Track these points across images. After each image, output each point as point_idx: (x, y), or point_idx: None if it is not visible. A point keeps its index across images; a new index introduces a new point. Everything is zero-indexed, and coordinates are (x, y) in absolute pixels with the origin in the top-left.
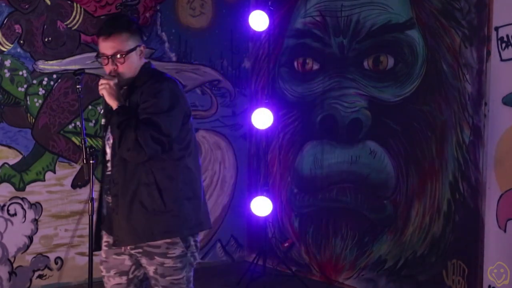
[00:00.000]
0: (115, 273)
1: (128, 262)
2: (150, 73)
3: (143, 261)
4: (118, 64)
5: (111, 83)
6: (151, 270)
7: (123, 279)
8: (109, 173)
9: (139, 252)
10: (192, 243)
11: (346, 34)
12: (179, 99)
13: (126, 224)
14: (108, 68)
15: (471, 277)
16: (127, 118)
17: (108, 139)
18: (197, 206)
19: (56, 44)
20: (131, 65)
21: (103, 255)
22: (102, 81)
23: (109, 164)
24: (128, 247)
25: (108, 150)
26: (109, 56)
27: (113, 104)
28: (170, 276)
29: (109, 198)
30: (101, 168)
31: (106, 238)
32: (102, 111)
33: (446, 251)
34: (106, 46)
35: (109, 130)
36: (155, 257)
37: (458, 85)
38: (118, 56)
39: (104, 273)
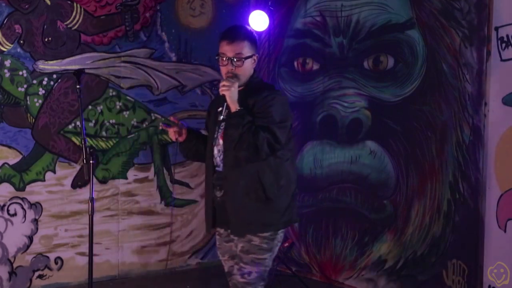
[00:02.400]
0: (228, 257)
1: (234, 248)
2: (262, 84)
3: (235, 238)
4: (236, 67)
5: (235, 85)
6: (239, 247)
7: (235, 261)
8: (218, 169)
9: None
10: (281, 234)
11: (346, 34)
12: (289, 111)
13: (237, 217)
14: (226, 68)
15: (471, 277)
16: (248, 121)
17: (217, 137)
18: (292, 203)
19: (56, 44)
20: (245, 70)
21: (217, 243)
22: (225, 83)
23: (217, 161)
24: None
25: (217, 148)
26: (230, 58)
27: (234, 106)
28: (253, 255)
29: (219, 193)
30: (210, 164)
31: (218, 228)
32: (219, 109)
33: (446, 251)
34: (229, 49)
35: (219, 129)
36: (247, 234)
37: (458, 85)
38: (237, 59)
39: (220, 257)
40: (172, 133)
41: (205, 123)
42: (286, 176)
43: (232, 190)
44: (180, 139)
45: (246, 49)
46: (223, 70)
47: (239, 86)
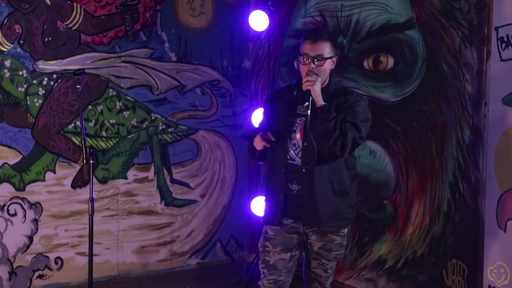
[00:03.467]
0: (281, 249)
1: (295, 241)
2: (343, 86)
3: (313, 237)
4: (317, 66)
5: (318, 81)
6: (317, 245)
7: (287, 255)
8: (293, 162)
9: (313, 230)
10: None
11: (346, 34)
12: (369, 112)
13: (317, 209)
14: (307, 67)
15: (471, 277)
16: (335, 116)
17: (295, 131)
18: (357, 201)
19: (56, 44)
20: (325, 70)
21: (271, 233)
22: (309, 78)
23: (291, 155)
24: (303, 227)
25: (293, 142)
26: (311, 57)
27: (319, 101)
28: (335, 252)
29: (296, 186)
30: (282, 159)
31: (281, 220)
32: (306, 104)
33: (446, 251)
34: (311, 48)
35: (296, 123)
36: (328, 234)
37: (458, 85)
38: (318, 59)
39: (271, 249)
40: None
41: (265, 119)
42: (355, 174)
43: (313, 183)
44: (273, 139)
45: (327, 50)
46: (304, 68)
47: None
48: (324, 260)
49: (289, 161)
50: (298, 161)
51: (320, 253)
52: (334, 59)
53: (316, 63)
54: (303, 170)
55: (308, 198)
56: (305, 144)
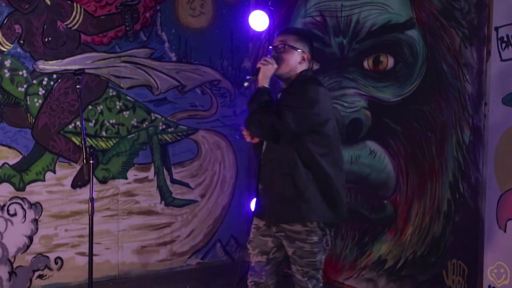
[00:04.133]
0: (258, 252)
1: (270, 244)
2: (304, 78)
3: (285, 242)
4: (279, 53)
5: (273, 65)
6: (290, 251)
7: (264, 258)
8: (261, 163)
9: (281, 236)
10: (328, 232)
11: (346, 34)
12: (317, 104)
13: (271, 209)
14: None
15: (471, 277)
16: (265, 100)
17: None
18: (330, 201)
19: (56, 44)
20: (288, 59)
21: (251, 236)
22: (266, 59)
23: (262, 156)
24: (274, 230)
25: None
26: (275, 46)
27: (262, 81)
28: (306, 258)
29: (260, 185)
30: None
31: (255, 222)
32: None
33: (446, 251)
34: (277, 40)
35: None
36: (296, 241)
37: (458, 85)
38: (280, 45)
39: (250, 251)
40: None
41: None
42: (320, 173)
43: (268, 183)
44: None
45: (291, 40)
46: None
47: (281, 76)
48: (299, 266)
49: (261, 162)
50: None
51: (294, 259)
52: (303, 54)
53: (279, 47)
54: (263, 169)
55: (267, 196)
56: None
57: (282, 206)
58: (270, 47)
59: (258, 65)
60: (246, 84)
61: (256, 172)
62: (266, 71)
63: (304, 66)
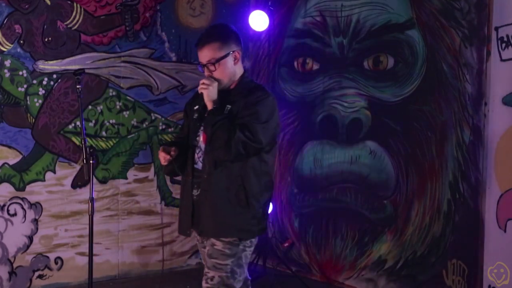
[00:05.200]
0: (205, 262)
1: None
2: (252, 85)
3: (205, 241)
4: (212, 71)
5: (214, 85)
6: (207, 250)
7: None
8: (197, 167)
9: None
10: (253, 240)
11: (346, 34)
12: (274, 113)
13: (212, 218)
14: (206, 75)
15: (471, 277)
16: (222, 118)
17: (199, 136)
18: (267, 211)
19: (56, 44)
20: (224, 71)
21: (198, 247)
22: (204, 81)
23: (195, 159)
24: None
25: (200, 144)
26: (203, 65)
27: (209, 105)
28: (215, 259)
29: (196, 191)
30: (189, 163)
31: (194, 233)
32: (196, 107)
33: (446, 251)
34: (201, 56)
35: (201, 127)
36: (211, 237)
37: (458, 85)
38: (208, 65)
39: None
40: (162, 158)
41: (182, 123)
42: (268, 183)
43: (211, 190)
44: (173, 153)
45: (217, 51)
46: (206, 75)
47: (225, 86)
48: (206, 268)
49: (195, 165)
50: (200, 165)
51: (205, 260)
52: (234, 54)
53: (210, 68)
54: (205, 175)
55: (204, 205)
56: (206, 147)
57: (227, 218)
58: (199, 66)
59: (200, 90)
60: (195, 116)
61: (190, 177)
62: (210, 94)
63: (239, 65)
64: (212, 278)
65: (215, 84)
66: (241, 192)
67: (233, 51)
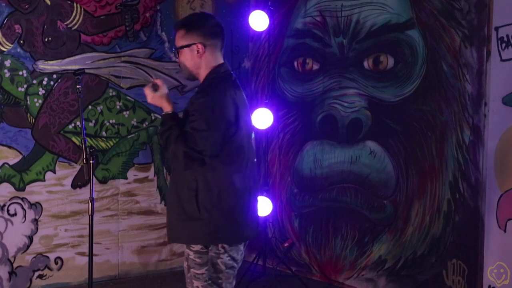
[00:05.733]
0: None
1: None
2: (205, 85)
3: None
4: (177, 58)
5: (150, 94)
6: (185, 263)
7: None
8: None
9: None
10: (218, 247)
11: (346, 34)
12: (219, 117)
13: (169, 224)
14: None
15: (471, 277)
16: (168, 128)
17: None
18: (233, 218)
19: (56, 44)
20: (184, 61)
21: None
22: (145, 90)
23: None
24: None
25: None
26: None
27: (166, 109)
28: (193, 269)
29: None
30: None
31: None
32: None
33: (446, 251)
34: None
35: None
36: (186, 249)
37: (458, 85)
38: (174, 51)
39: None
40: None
41: None
42: (225, 187)
43: (169, 197)
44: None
45: (180, 39)
46: None
47: (189, 77)
48: (188, 278)
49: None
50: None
51: (186, 271)
52: (196, 46)
53: (176, 55)
54: (170, 183)
55: (167, 212)
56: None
57: (180, 224)
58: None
59: (149, 101)
60: None
61: None
62: (157, 103)
63: (209, 58)
64: None
65: (150, 93)
66: (193, 200)
67: (195, 43)
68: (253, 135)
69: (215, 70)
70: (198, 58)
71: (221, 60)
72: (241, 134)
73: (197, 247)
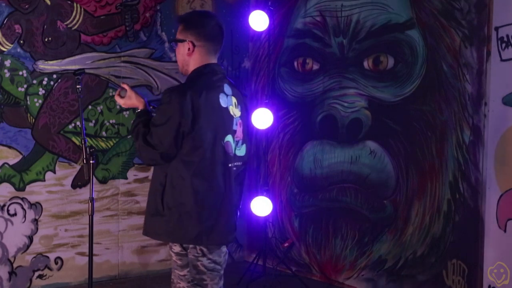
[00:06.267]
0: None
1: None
2: (187, 80)
3: None
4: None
5: (119, 100)
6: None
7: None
8: None
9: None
10: (197, 250)
11: (346, 34)
12: (173, 113)
13: (145, 217)
14: None
15: (471, 277)
16: (136, 124)
17: None
18: (198, 218)
19: (56, 44)
20: (178, 55)
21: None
22: (116, 99)
23: None
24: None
25: None
26: None
27: (140, 107)
28: (176, 270)
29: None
30: None
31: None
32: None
33: (446, 251)
34: None
35: None
36: (169, 249)
37: (458, 85)
38: (172, 40)
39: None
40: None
41: None
42: (180, 190)
43: (149, 191)
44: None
45: (179, 33)
46: None
47: (181, 72)
48: (173, 278)
49: None
50: None
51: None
52: (186, 44)
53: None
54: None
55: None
56: None
57: (148, 218)
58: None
59: (123, 106)
60: None
61: None
62: (127, 104)
63: (197, 57)
64: None
65: (118, 98)
66: (158, 197)
67: (187, 41)
68: (230, 139)
69: (198, 69)
70: (187, 56)
71: (210, 61)
72: (200, 134)
73: (177, 249)
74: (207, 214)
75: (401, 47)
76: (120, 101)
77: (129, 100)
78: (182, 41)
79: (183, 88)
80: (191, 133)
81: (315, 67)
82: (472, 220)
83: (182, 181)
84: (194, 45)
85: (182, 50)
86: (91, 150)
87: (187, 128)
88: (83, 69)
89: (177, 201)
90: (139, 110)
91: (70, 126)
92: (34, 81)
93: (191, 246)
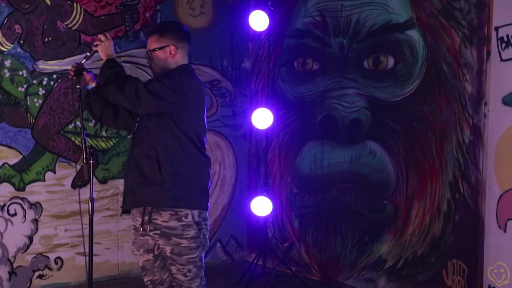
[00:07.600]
0: (143, 251)
1: (151, 241)
2: (178, 72)
3: (160, 242)
4: (149, 60)
5: (108, 42)
6: (168, 250)
7: (150, 256)
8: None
9: (157, 234)
10: (204, 226)
11: (346, 34)
12: (183, 91)
13: (130, 191)
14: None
15: (471, 277)
16: (115, 65)
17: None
18: (192, 187)
19: (56, 44)
20: (157, 63)
21: (132, 237)
22: (100, 37)
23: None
24: (148, 229)
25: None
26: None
27: (104, 57)
28: (186, 255)
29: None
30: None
31: (132, 222)
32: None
33: (446, 251)
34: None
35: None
36: (172, 238)
37: (458, 85)
38: (146, 54)
39: (136, 252)
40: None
41: None
42: (184, 157)
43: (129, 165)
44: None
45: (153, 43)
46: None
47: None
48: (179, 265)
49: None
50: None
51: (173, 258)
52: (168, 48)
53: (149, 56)
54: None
55: (126, 181)
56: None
57: (142, 189)
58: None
59: (94, 48)
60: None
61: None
62: (104, 49)
63: (178, 58)
64: (189, 271)
65: (110, 41)
66: (155, 166)
67: (168, 46)
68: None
69: (183, 66)
70: (170, 59)
71: (187, 61)
72: (197, 115)
73: (192, 233)
74: (205, 182)
75: (401, 47)
76: (102, 41)
77: (107, 47)
78: (162, 47)
79: (188, 73)
80: (191, 113)
81: (315, 67)
82: (472, 220)
83: (182, 152)
84: (176, 48)
85: (162, 55)
86: (91, 150)
87: (185, 104)
88: (83, 66)
89: (175, 170)
90: (112, 58)
91: (70, 126)
92: (34, 81)
93: (203, 225)
